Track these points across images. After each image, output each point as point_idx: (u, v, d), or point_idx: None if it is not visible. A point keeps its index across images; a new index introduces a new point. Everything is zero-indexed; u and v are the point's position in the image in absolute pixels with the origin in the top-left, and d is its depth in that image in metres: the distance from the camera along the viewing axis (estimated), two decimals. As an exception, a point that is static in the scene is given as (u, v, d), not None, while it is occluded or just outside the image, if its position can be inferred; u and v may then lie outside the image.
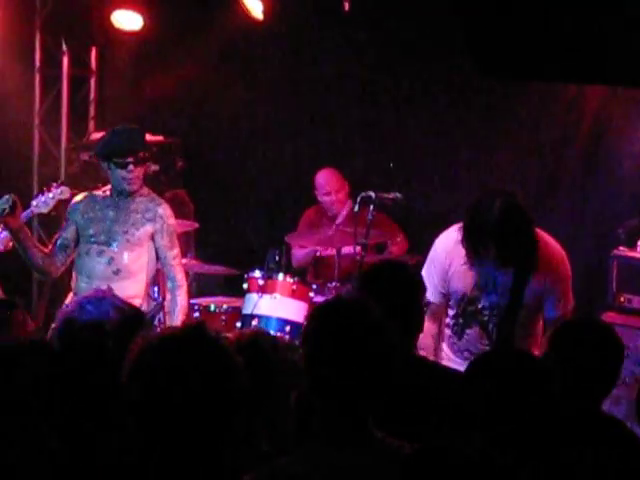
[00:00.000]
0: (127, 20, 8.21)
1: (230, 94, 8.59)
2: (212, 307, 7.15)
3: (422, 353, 4.54)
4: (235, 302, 7.20)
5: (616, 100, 7.54)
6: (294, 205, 8.19)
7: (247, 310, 6.78)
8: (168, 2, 8.37)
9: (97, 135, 7.66)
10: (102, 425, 2.97)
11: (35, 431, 2.83)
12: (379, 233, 7.00)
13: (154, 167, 8.10)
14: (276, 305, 6.73)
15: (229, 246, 8.28)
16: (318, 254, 7.68)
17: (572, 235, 7.24)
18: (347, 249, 6.96)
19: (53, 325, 5.45)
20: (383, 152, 8.26)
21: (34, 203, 6.00)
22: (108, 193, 5.85)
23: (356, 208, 6.58)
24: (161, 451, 2.46)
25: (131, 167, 5.69)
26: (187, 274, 7.14)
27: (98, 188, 5.99)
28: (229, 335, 3.55)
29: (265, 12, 7.81)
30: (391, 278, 4.12)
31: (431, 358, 4.79)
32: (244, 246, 8.26)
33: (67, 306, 4.07)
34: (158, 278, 6.28)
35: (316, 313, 2.93)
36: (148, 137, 7.02)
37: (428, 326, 4.64)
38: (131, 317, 3.42)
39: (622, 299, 6.67)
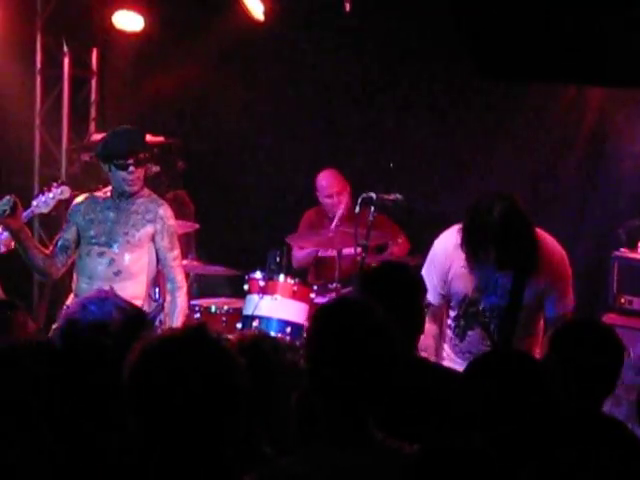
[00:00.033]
0: (128, 21, 8.21)
1: (231, 95, 8.59)
2: (213, 308, 7.14)
3: (423, 354, 4.54)
4: (236, 303, 7.20)
5: (616, 100, 7.54)
6: (295, 206, 8.19)
7: (248, 311, 6.78)
8: (169, 3, 8.38)
9: (98, 136, 7.66)
10: (102, 425, 2.97)
11: (35, 431, 2.83)
12: (380, 234, 6.99)
13: (155, 168, 8.10)
14: (277, 306, 6.73)
15: (230, 247, 8.28)
16: (319, 254, 7.68)
17: (573, 236, 7.24)
18: (348, 250, 6.95)
19: (54, 326, 5.48)
20: (383, 153, 8.26)
21: (34, 203, 6.00)
22: (109, 194, 5.85)
23: (357, 209, 6.57)
24: (161, 451, 2.46)
25: (132, 168, 5.69)
26: (188, 275, 7.15)
27: (99, 189, 5.99)
28: (231, 337, 3.55)
29: (266, 13, 7.81)
30: (392, 279, 4.12)
31: (432, 359, 4.79)
32: (245, 247, 8.26)
33: (69, 307, 4.07)
34: (159, 279, 6.27)
35: (319, 314, 2.94)
36: (149, 138, 7.03)
37: (429, 327, 4.64)
38: (134, 317, 3.42)
39: (622, 300, 6.67)
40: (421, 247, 6.17)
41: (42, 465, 2.80)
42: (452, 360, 5.07)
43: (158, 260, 5.85)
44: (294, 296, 6.77)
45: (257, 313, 6.70)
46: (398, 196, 6.65)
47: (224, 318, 7.04)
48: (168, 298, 5.87)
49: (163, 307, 5.91)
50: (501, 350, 4.44)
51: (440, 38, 7.46)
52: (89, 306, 3.39)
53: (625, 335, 5.25)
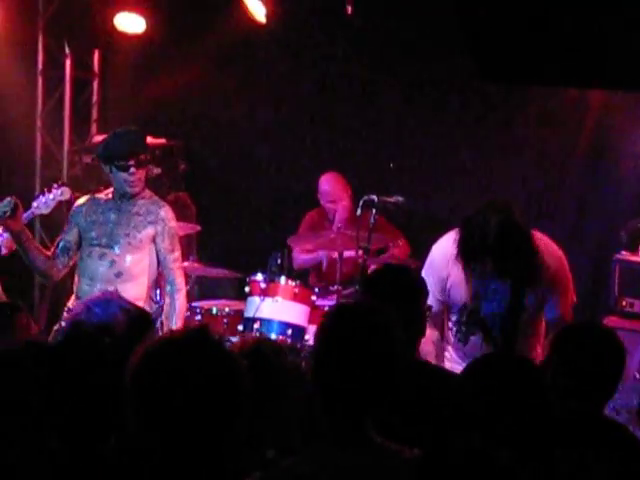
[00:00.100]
0: (130, 23, 8.21)
1: (232, 97, 8.60)
2: (214, 310, 7.14)
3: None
4: (237, 305, 7.20)
5: (618, 101, 7.54)
6: (296, 208, 8.19)
7: (249, 313, 6.77)
8: (171, 5, 8.38)
9: (99, 138, 7.66)
10: (102, 425, 2.97)
11: (35, 431, 2.83)
12: (381, 237, 6.99)
13: (156, 170, 8.11)
14: (278, 308, 6.72)
15: (231, 249, 8.28)
16: (324, 268, 7.64)
17: (573, 237, 7.25)
18: (349, 252, 6.95)
19: (55, 327, 5.49)
20: (384, 154, 8.26)
21: (34, 204, 6.00)
22: (110, 196, 5.85)
23: (358, 212, 6.56)
24: (162, 453, 2.46)
25: (133, 169, 5.69)
26: (189, 277, 7.15)
27: (100, 191, 5.99)
28: (234, 341, 3.56)
29: (268, 15, 7.82)
30: (393, 282, 4.12)
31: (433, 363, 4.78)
32: (246, 249, 8.26)
33: (74, 309, 4.07)
34: (160, 281, 6.27)
35: (324, 317, 2.95)
36: (150, 140, 7.04)
37: (429, 333, 4.63)
38: (138, 319, 3.42)
39: (624, 303, 6.68)
40: (421, 249, 6.17)
41: (42, 465, 2.80)
42: (456, 362, 5.06)
43: (159, 262, 5.85)
44: (295, 298, 6.77)
45: (258, 315, 6.70)
46: (399, 198, 6.63)
47: (225, 320, 7.03)
48: (167, 300, 5.86)
49: (162, 309, 5.91)
50: (499, 352, 4.45)
51: (440, 39, 7.48)
52: (93, 308, 3.39)
53: (626, 338, 5.22)
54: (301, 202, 8.14)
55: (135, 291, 5.65)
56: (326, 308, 6.86)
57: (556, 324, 4.90)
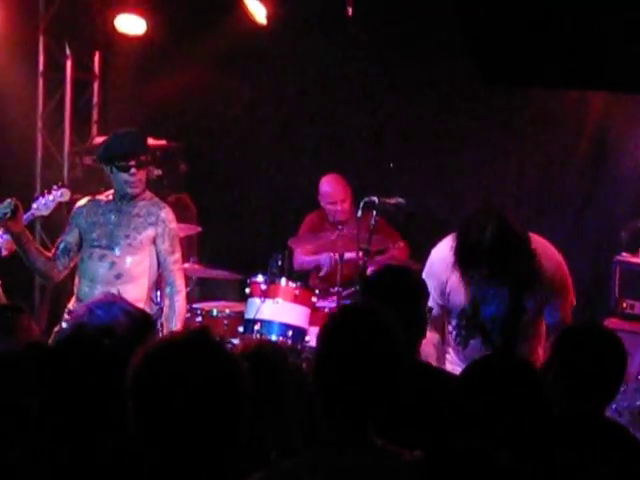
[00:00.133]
0: (130, 24, 8.21)
1: (233, 98, 8.61)
2: (214, 311, 7.14)
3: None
4: (237, 307, 7.20)
5: (618, 102, 7.54)
6: (296, 209, 8.20)
7: (249, 315, 6.77)
8: (171, 7, 8.38)
9: (100, 139, 7.66)
10: (102, 425, 2.97)
11: (35, 431, 2.83)
12: (381, 238, 6.99)
13: (157, 171, 8.11)
14: (278, 310, 6.72)
15: (232, 250, 8.28)
16: (322, 273, 7.62)
17: (574, 238, 7.24)
18: (349, 254, 6.94)
19: (56, 329, 5.50)
20: (384, 155, 8.26)
21: (34, 206, 6.00)
22: (111, 197, 5.85)
23: (359, 213, 6.56)
24: (162, 453, 2.46)
25: (133, 170, 5.69)
26: (190, 278, 7.15)
27: (101, 192, 5.99)
28: (234, 342, 3.56)
29: (268, 17, 7.82)
30: (394, 283, 4.12)
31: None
32: (247, 250, 8.26)
33: (76, 311, 4.06)
34: (160, 282, 6.27)
35: (326, 320, 2.95)
36: (151, 141, 7.03)
37: (430, 335, 4.63)
38: (140, 321, 3.42)
39: (624, 305, 6.68)
40: (421, 250, 6.17)
41: (42, 465, 2.80)
42: (457, 365, 5.06)
43: (159, 263, 5.85)
44: (296, 300, 6.77)
45: (259, 317, 6.70)
46: (400, 200, 6.62)
47: (226, 321, 7.04)
48: (167, 302, 5.86)
49: (162, 311, 5.90)
50: (498, 354, 4.45)
51: (441, 41, 7.48)
52: (96, 310, 3.40)
53: (627, 340, 5.22)
54: (301, 203, 8.14)
55: (135, 292, 5.65)
56: (326, 310, 6.88)
57: (556, 327, 4.89)
